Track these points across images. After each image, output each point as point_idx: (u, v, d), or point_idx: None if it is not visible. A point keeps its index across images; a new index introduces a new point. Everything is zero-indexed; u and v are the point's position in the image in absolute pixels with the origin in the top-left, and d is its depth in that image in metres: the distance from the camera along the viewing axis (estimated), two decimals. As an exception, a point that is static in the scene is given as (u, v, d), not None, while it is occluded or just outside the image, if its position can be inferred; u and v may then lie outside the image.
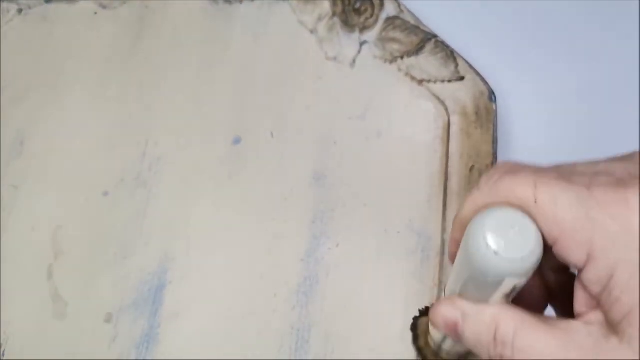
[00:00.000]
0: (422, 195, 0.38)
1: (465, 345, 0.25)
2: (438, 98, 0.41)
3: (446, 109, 0.41)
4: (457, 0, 0.46)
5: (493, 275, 0.22)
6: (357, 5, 0.43)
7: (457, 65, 0.41)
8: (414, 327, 0.33)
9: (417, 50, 0.42)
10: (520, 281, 0.22)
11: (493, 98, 0.40)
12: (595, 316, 0.22)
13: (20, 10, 0.44)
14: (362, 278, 0.36)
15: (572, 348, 0.22)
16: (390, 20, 0.43)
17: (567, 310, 0.24)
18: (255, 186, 0.38)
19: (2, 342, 0.34)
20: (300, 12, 0.44)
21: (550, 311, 0.27)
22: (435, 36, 0.42)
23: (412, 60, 0.42)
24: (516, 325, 0.23)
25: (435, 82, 0.41)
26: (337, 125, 0.40)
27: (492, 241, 0.21)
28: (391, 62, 0.42)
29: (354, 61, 0.42)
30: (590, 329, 0.22)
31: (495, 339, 0.23)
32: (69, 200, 0.38)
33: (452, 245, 0.26)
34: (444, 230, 0.37)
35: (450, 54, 0.41)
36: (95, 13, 0.44)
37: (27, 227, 0.37)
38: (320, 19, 0.43)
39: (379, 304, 0.35)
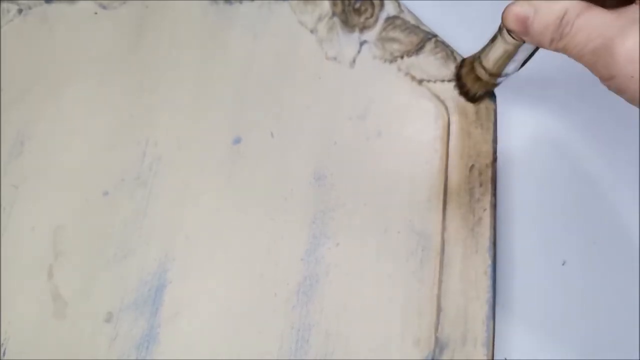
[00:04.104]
0: (422, 195, 0.38)
1: (529, 39, 0.30)
2: (438, 98, 0.41)
3: (446, 109, 0.41)
4: (457, 0, 0.46)
5: None
6: (357, 5, 0.43)
7: (457, 65, 0.41)
8: (459, 73, 0.40)
9: (417, 50, 0.42)
10: None
11: (493, 98, 0.40)
12: None
13: (20, 10, 0.44)
14: (362, 278, 0.36)
15: (623, 18, 0.26)
16: (390, 20, 0.43)
17: None
18: (255, 186, 0.38)
19: (2, 342, 0.34)
20: (300, 12, 0.44)
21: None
22: (435, 36, 0.42)
23: (412, 60, 0.42)
24: (582, 8, 0.27)
25: (435, 81, 0.41)
26: (337, 125, 0.40)
27: None
28: (391, 62, 0.42)
29: (353, 61, 0.42)
30: None
31: (561, 22, 0.27)
32: (69, 200, 0.38)
33: None
34: (444, 230, 0.37)
35: (450, 54, 0.41)
36: (95, 13, 0.44)
37: (27, 227, 0.37)
38: (320, 19, 0.43)
39: (379, 303, 0.35)
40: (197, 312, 0.35)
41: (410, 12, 0.43)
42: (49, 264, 0.36)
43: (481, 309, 0.35)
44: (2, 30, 0.43)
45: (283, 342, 0.35)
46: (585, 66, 0.28)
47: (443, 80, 0.41)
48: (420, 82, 0.42)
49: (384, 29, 0.43)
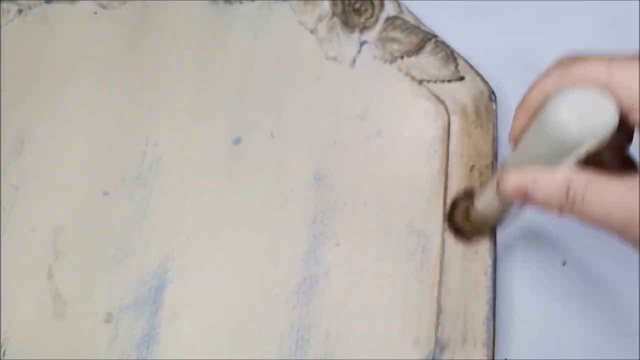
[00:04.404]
0: (422, 195, 0.38)
1: (534, 206, 0.28)
2: (438, 98, 0.41)
3: (446, 109, 0.41)
4: (457, 0, 0.46)
5: (572, 142, 0.24)
6: (357, 5, 0.43)
7: (457, 65, 0.41)
8: (453, 207, 0.37)
9: (417, 50, 0.42)
10: (596, 144, 0.24)
11: (493, 98, 0.40)
12: None
13: (20, 10, 0.44)
14: (362, 278, 0.36)
15: (636, 186, 0.25)
16: (390, 20, 0.43)
17: None
18: (255, 186, 0.38)
19: (2, 342, 0.34)
20: (300, 12, 0.44)
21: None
22: (435, 36, 0.42)
23: (412, 60, 0.42)
24: (587, 181, 0.25)
25: (435, 82, 0.41)
26: (337, 125, 0.40)
27: (572, 110, 0.24)
28: (391, 62, 0.42)
29: (354, 61, 0.42)
30: None
31: (567, 195, 0.26)
32: (69, 200, 0.38)
33: (515, 130, 0.28)
34: (444, 230, 0.37)
35: (450, 54, 0.41)
36: (95, 13, 0.44)
37: (27, 227, 0.37)
38: (320, 19, 0.43)
39: (379, 303, 0.35)
40: (197, 312, 0.35)
41: (410, 12, 0.43)
42: (49, 264, 0.36)
43: (481, 309, 0.35)
44: (2, 30, 0.43)
45: (283, 342, 0.35)
46: (610, 233, 0.27)
47: (443, 80, 0.41)
48: (420, 82, 0.42)
49: (384, 29, 0.43)
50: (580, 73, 0.25)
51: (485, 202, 0.33)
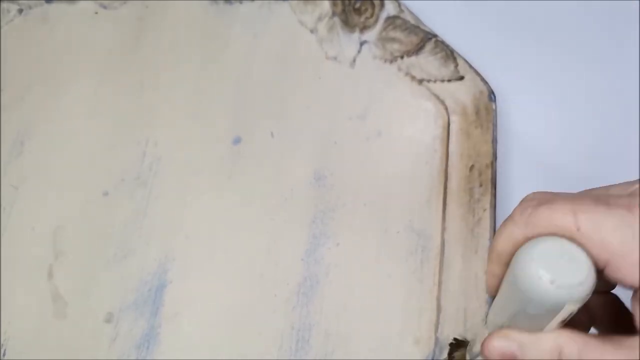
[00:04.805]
0: (422, 195, 0.38)
1: None
2: (438, 98, 0.41)
3: (446, 109, 0.41)
4: (457, 0, 0.46)
5: (551, 305, 0.22)
6: (357, 5, 0.43)
7: (457, 65, 0.41)
8: (452, 350, 0.34)
9: (417, 50, 0.42)
10: (578, 306, 0.22)
11: (493, 98, 0.40)
12: None
13: (20, 10, 0.44)
14: (362, 278, 0.36)
15: (634, 352, 0.23)
16: (390, 20, 0.43)
17: (610, 331, 0.25)
18: (255, 186, 0.38)
19: (2, 342, 0.34)
20: (300, 12, 0.44)
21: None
22: (435, 36, 0.42)
23: (412, 60, 0.42)
24: (580, 346, 0.23)
25: (435, 81, 0.41)
26: (337, 125, 0.40)
27: (545, 271, 0.22)
28: (391, 61, 0.42)
29: (354, 61, 0.42)
30: None
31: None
32: (69, 200, 0.38)
33: (491, 279, 0.27)
34: (444, 230, 0.37)
35: (450, 54, 0.41)
36: (96, 13, 0.44)
37: (27, 227, 0.37)
38: (320, 18, 0.43)
39: (379, 303, 0.35)
40: (197, 312, 0.35)
41: (410, 12, 0.43)
42: (49, 264, 0.36)
43: (481, 309, 0.35)
44: (2, 30, 0.43)
45: (283, 342, 0.35)
46: None
47: (443, 80, 0.41)
48: (420, 82, 0.42)
49: (384, 29, 0.43)
50: (545, 222, 0.23)
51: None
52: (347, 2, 0.43)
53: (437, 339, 0.34)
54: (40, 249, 0.37)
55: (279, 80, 0.42)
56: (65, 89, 0.41)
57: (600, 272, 0.22)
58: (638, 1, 0.46)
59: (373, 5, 0.43)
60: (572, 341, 0.24)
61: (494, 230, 0.36)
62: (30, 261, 0.36)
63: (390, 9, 0.43)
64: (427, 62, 0.42)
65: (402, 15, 0.43)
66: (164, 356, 0.34)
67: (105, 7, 0.44)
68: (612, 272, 0.22)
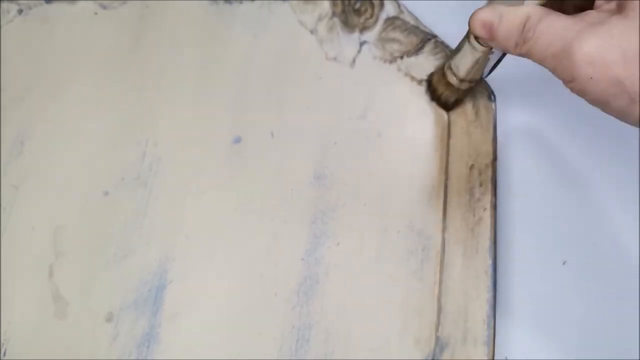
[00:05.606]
0: (422, 195, 0.38)
1: (495, 44, 0.31)
2: (438, 98, 0.41)
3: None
4: (457, 0, 0.46)
5: None
6: (357, 5, 0.43)
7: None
8: (430, 79, 0.40)
9: (417, 50, 0.42)
10: None
11: (493, 98, 0.40)
12: (609, 6, 0.28)
13: (20, 11, 0.44)
14: (362, 277, 0.36)
15: (581, 22, 0.27)
16: (390, 20, 0.43)
17: None
18: (255, 186, 0.38)
19: (2, 342, 0.34)
20: (300, 12, 0.44)
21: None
22: (435, 36, 0.42)
23: (411, 60, 0.42)
24: (542, 14, 0.28)
25: (435, 82, 0.41)
26: (337, 125, 0.40)
27: None
28: (391, 62, 0.42)
29: (353, 61, 0.42)
30: (600, 13, 0.28)
31: (524, 28, 0.29)
32: (69, 200, 0.38)
33: None
34: (444, 229, 0.37)
35: (450, 54, 0.41)
36: (96, 13, 0.44)
37: (27, 227, 0.37)
38: (320, 19, 0.43)
39: (379, 303, 0.35)
40: (197, 312, 0.35)
41: (410, 12, 0.43)
42: (50, 264, 0.36)
43: (481, 309, 0.35)
44: (2, 30, 0.43)
45: (283, 342, 0.35)
46: (549, 70, 0.29)
47: (443, 81, 0.41)
48: (420, 82, 0.42)
49: (384, 29, 0.43)
50: None
51: (460, 59, 0.36)
52: (347, 2, 0.43)
53: (437, 339, 0.35)
54: (40, 249, 0.36)
55: (279, 80, 0.42)
56: (65, 89, 0.41)
57: None
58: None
59: (373, 6, 0.43)
60: (539, 9, 0.28)
61: (494, 230, 0.36)
62: (30, 261, 0.36)
63: (389, 9, 0.43)
64: (427, 63, 0.42)
65: (401, 16, 0.43)
66: (164, 356, 0.34)
67: (105, 7, 0.44)
68: None
